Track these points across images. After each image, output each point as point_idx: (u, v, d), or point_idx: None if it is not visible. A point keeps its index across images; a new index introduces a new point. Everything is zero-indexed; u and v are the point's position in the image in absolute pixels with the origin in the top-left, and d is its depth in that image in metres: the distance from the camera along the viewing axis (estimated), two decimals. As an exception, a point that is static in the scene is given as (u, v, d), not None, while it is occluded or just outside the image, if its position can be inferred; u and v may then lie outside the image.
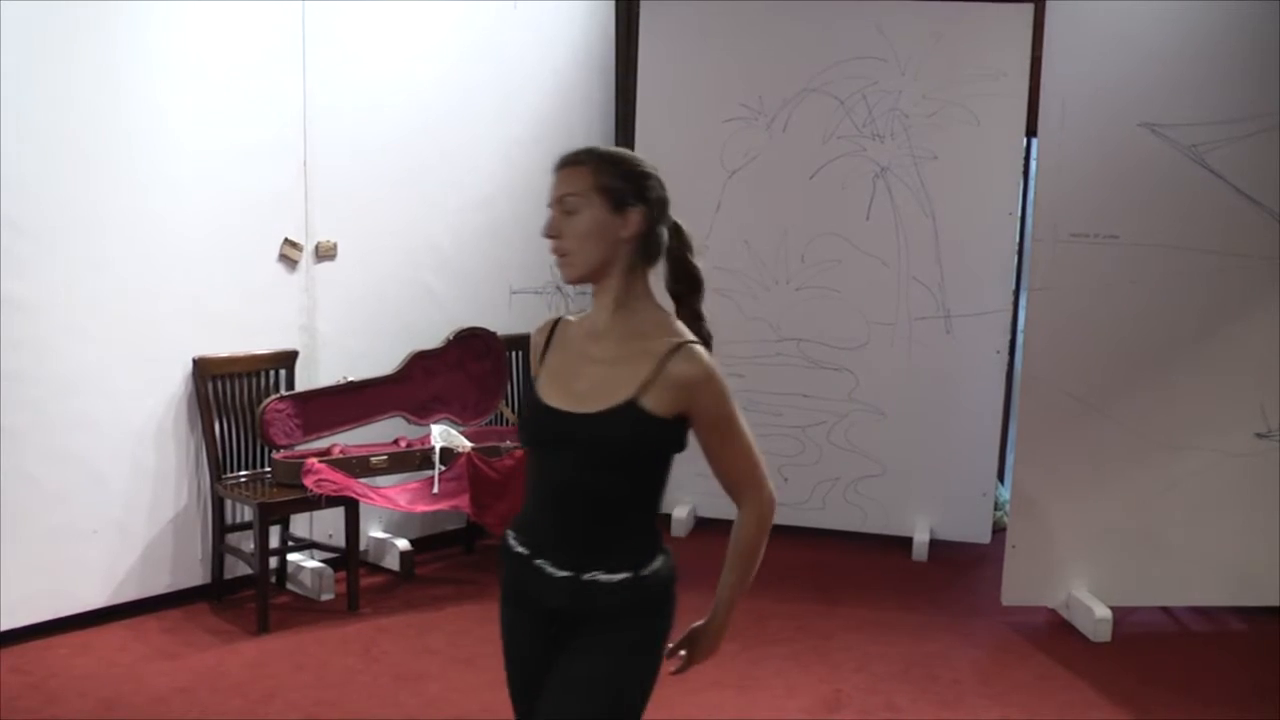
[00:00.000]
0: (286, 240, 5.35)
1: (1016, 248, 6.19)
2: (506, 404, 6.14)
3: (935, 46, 6.07)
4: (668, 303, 2.64)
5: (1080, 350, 5.16)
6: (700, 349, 2.50)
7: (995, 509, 6.35)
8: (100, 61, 4.80)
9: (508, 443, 5.62)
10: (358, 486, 5.15)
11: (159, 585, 5.20)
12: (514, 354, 6.22)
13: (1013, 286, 6.21)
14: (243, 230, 5.24)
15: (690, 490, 6.59)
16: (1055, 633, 5.25)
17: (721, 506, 6.75)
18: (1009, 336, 6.22)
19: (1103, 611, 5.16)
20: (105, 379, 4.92)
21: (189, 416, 5.21)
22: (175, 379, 5.16)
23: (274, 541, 5.34)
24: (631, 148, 6.44)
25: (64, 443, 4.84)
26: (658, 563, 2.59)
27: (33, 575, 4.79)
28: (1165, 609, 5.52)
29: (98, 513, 4.97)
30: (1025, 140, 6.06)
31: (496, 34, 6.13)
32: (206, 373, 5.18)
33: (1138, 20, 5.04)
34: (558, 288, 6.57)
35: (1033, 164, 5.94)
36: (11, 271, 4.62)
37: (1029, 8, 5.91)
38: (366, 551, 5.75)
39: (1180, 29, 5.04)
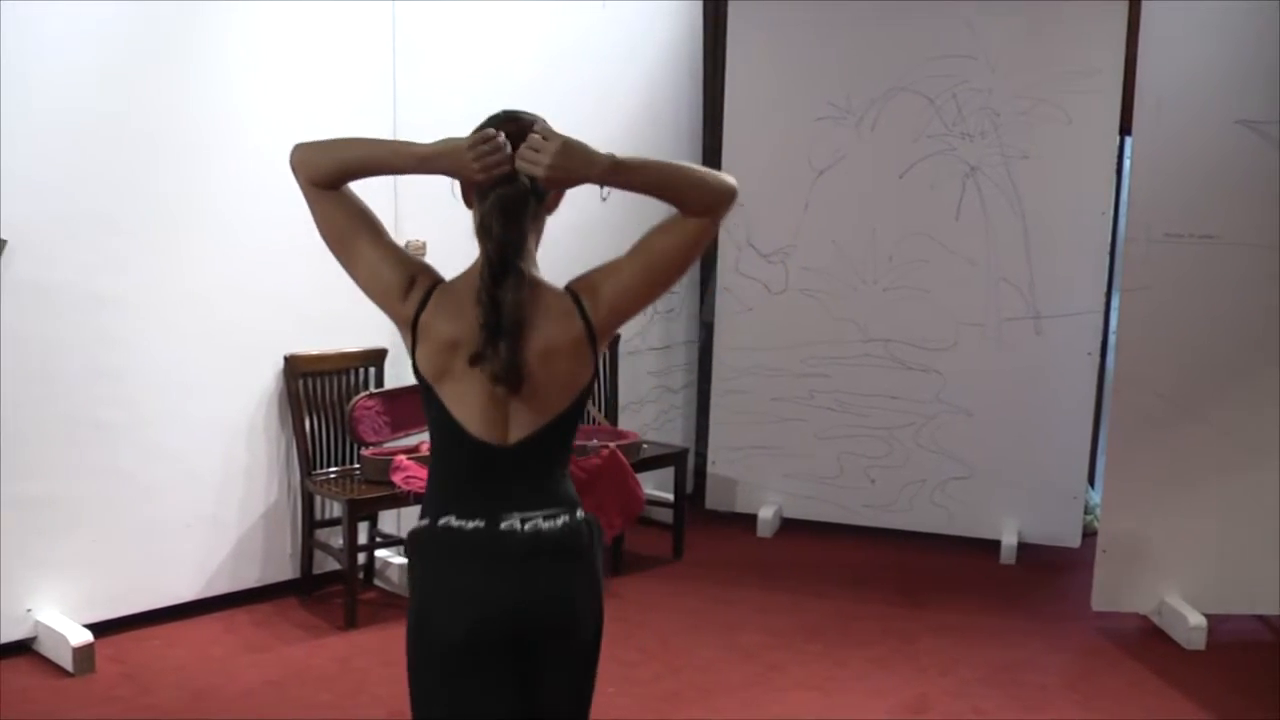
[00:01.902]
0: (376, 239, 5.39)
1: (1109, 248, 6.10)
2: (593, 403, 6.15)
3: (1027, 44, 6.00)
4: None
5: (1174, 352, 5.07)
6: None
7: (1085, 513, 6.26)
8: (192, 63, 4.88)
9: (594, 442, 5.63)
10: (445, 484, 5.18)
11: (249, 579, 5.27)
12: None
13: (1105, 287, 6.12)
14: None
15: (776, 490, 6.59)
16: (1147, 640, 5.16)
17: (808, 507, 6.82)
18: (1101, 338, 6.13)
19: (1196, 619, 5.06)
20: (198, 376, 5.00)
21: (279, 413, 5.28)
22: (266, 376, 5.23)
23: (362, 537, 5.39)
24: (719, 147, 6.53)
25: (158, 438, 4.92)
26: (419, 523, 2.42)
27: (128, 568, 4.89)
28: (1261, 617, 5.40)
29: (191, 508, 5.05)
30: (1118, 138, 5.96)
31: (585, 35, 6.15)
32: (297, 370, 5.25)
33: (1235, 15, 4.95)
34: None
35: (1126, 162, 5.85)
36: (106, 269, 4.71)
37: (1123, 4, 5.81)
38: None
39: (1280, 24, 4.94)
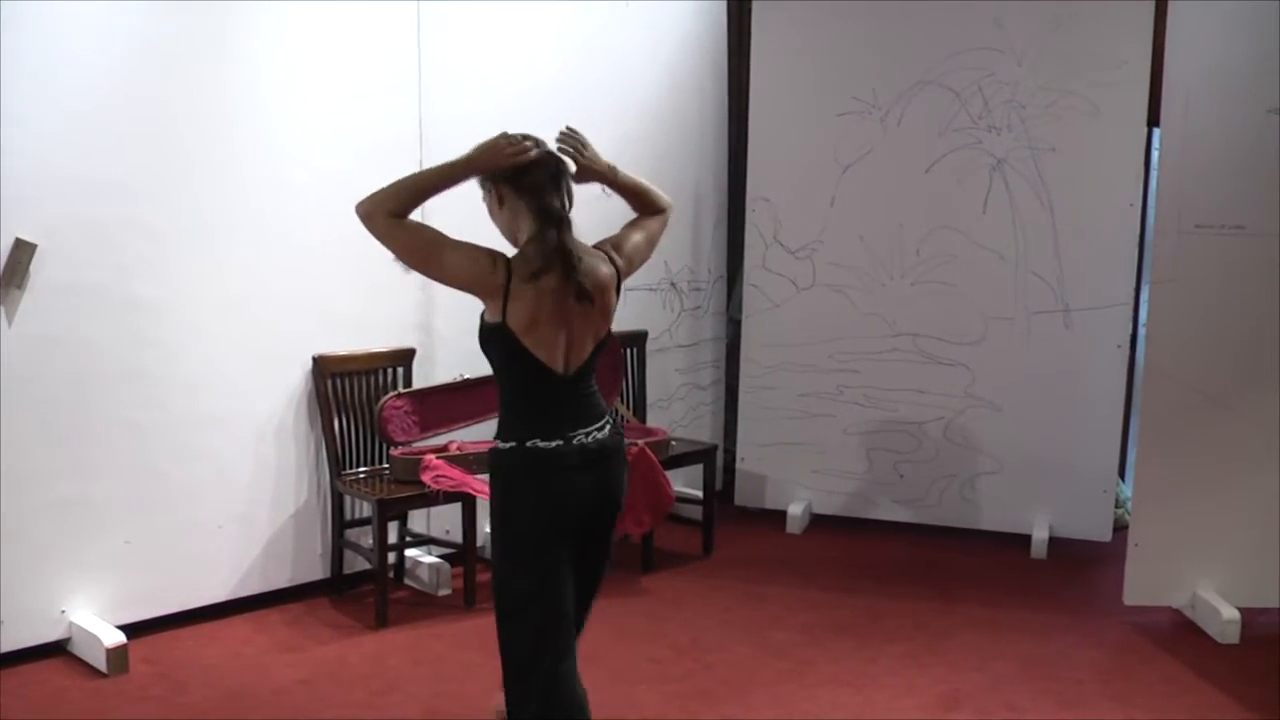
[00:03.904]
0: (403, 239, 5.40)
1: (1138, 240, 6.06)
2: (622, 400, 6.15)
3: (1053, 36, 5.97)
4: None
5: (1205, 344, 5.05)
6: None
7: (1116, 506, 6.24)
8: (221, 68, 4.90)
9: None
10: (475, 482, 5.19)
11: (281, 579, 5.30)
12: (630, 350, 6.23)
13: (1134, 280, 6.09)
14: (361, 230, 5.30)
15: (805, 486, 6.58)
16: (1180, 634, 5.13)
17: (838, 503, 6.80)
18: (1130, 330, 6.10)
19: (1230, 612, 5.03)
20: (229, 377, 5.03)
21: (309, 414, 5.30)
22: (296, 377, 5.25)
23: (392, 537, 5.41)
24: (744, 143, 6.52)
25: (190, 440, 4.95)
26: (506, 445, 3.17)
27: (161, 569, 4.91)
28: (1296, 610, 5.38)
29: (223, 508, 5.08)
30: (1147, 130, 5.93)
31: (608, 31, 6.15)
32: (326, 370, 5.27)
33: (1264, 4, 4.90)
34: (671, 284, 6.57)
35: (1154, 154, 5.82)
36: (140, 273, 4.74)
37: (1150, -6, 5.79)
38: (483, 547, 5.78)
39: (1309, 12, 4.90)
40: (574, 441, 3.15)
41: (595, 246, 3.28)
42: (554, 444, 3.13)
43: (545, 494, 3.15)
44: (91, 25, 4.52)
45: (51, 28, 4.42)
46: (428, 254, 3.12)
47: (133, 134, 4.67)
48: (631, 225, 3.43)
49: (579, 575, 3.28)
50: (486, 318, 3.15)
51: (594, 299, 3.14)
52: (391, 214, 3.09)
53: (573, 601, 3.26)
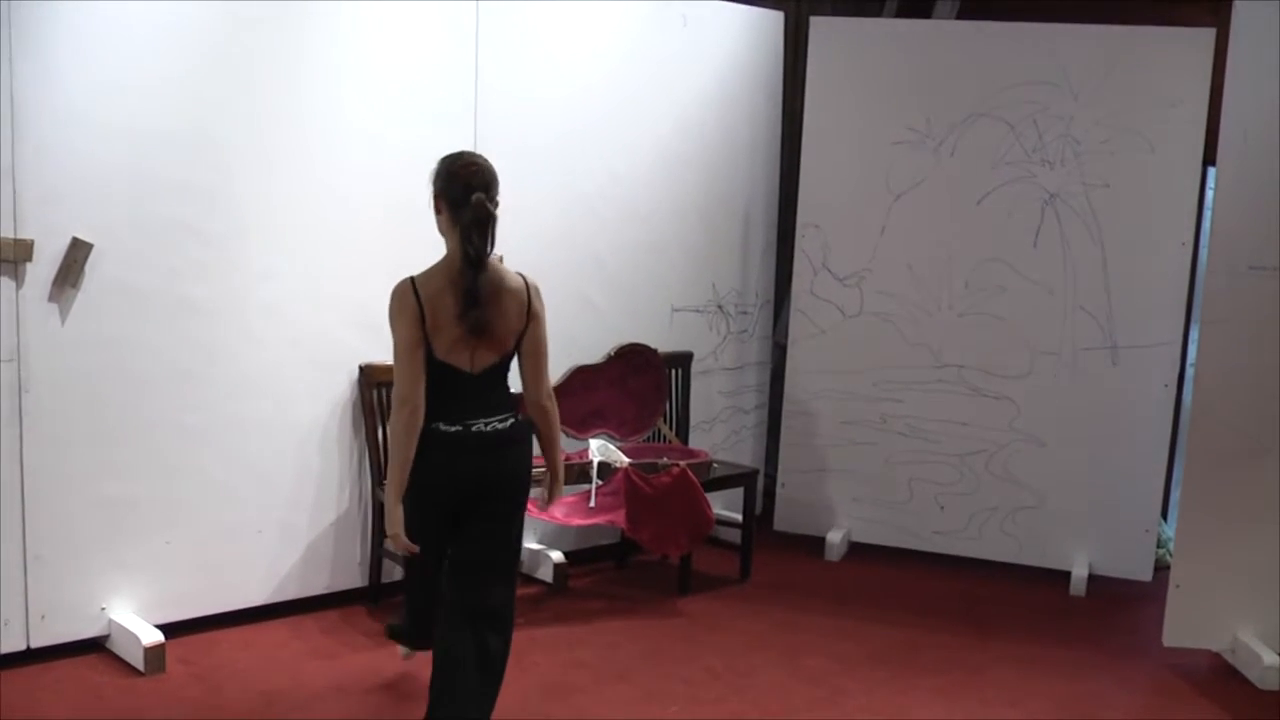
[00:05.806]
0: (453, 252, 5.43)
1: (1188, 279, 6.02)
2: (665, 421, 6.16)
3: (1110, 71, 5.94)
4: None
5: (1254, 386, 5.00)
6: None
7: (1157, 546, 6.18)
8: (274, 75, 4.96)
9: (664, 460, 5.64)
10: (514, 497, 5.20)
11: (318, 586, 5.33)
12: (674, 371, 6.24)
13: (1183, 319, 6.04)
14: (410, 239, 5.29)
15: (845, 514, 6.56)
16: (1219, 678, 5.08)
17: (877, 532, 6.75)
18: (1178, 370, 6.05)
19: (1271, 659, 4.97)
20: (276, 383, 5.07)
21: (353, 422, 5.34)
22: (341, 385, 5.29)
23: (431, 548, 5.43)
24: (797, 166, 6.53)
25: (236, 443, 4.99)
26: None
27: (201, 570, 4.96)
28: (1338, 658, 5.30)
29: (264, 513, 5.12)
30: (1202, 169, 5.89)
31: (664, 46, 6.13)
32: (372, 380, 5.30)
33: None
34: (719, 307, 6.57)
35: (1209, 193, 5.78)
36: (194, 276, 4.79)
37: (1210, 33, 5.75)
38: (521, 562, 5.80)
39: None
40: (473, 429, 3.67)
41: (524, 277, 3.77)
42: (454, 429, 3.66)
43: (431, 469, 3.64)
44: (153, 26, 4.59)
45: (112, 29, 4.49)
46: (409, 363, 3.61)
47: (189, 139, 4.73)
48: (541, 353, 3.86)
49: (468, 542, 3.79)
50: None
51: (490, 335, 3.66)
52: (409, 418, 3.62)
53: (438, 565, 3.84)
